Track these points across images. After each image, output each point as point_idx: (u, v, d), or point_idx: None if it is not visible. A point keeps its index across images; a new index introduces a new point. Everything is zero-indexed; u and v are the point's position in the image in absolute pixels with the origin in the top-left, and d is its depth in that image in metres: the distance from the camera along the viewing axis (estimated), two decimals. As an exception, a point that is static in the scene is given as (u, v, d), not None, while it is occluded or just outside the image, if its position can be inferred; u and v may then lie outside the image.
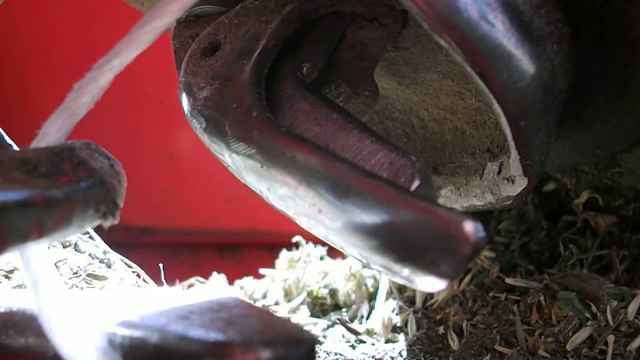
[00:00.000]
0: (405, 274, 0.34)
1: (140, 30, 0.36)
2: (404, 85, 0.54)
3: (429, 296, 0.67)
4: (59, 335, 0.36)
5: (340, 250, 0.39)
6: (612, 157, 0.58)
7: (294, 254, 0.83)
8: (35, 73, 1.28)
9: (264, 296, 0.80)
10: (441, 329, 0.62)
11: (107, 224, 0.36)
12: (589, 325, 0.55)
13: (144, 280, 0.63)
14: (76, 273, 0.58)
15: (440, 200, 0.53)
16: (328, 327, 0.69)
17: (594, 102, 0.48)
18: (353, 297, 0.75)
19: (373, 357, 0.61)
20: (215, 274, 0.84)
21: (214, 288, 0.80)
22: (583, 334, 0.55)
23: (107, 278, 0.59)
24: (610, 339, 0.54)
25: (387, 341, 0.65)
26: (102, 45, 0.37)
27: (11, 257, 0.55)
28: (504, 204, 0.49)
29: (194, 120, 0.45)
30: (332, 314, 0.73)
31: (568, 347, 0.54)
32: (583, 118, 0.49)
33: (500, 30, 0.39)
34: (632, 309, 0.56)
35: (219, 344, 0.32)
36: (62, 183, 0.34)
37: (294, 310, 0.74)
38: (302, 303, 0.75)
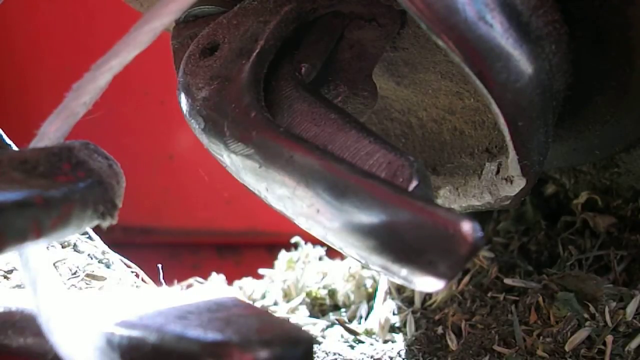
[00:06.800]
0: (403, 274, 0.34)
1: (139, 30, 0.36)
2: (403, 85, 0.54)
3: (428, 296, 0.67)
4: (58, 335, 0.36)
5: (339, 250, 0.39)
6: (610, 157, 0.58)
7: (293, 254, 0.83)
8: (33, 73, 1.28)
9: (263, 296, 0.80)
10: (440, 329, 0.62)
11: (105, 224, 0.36)
12: (587, 325, 0.55)
13: (142, 280, 0.63)
14: (75, 273, 0.58)
15: (439, 201, 0.53)
16: (327, 327, 0.70)
17: (592, 102, 0.48)
18: (352, 297, 0.75)
19: (372, 357, 0.61)
20: (214, 274, 0.84)
21: (212, 288, 0.80)
22: (581, 334, 0.55)
23: (106, 278, 0.59)
24: (609, 339, 0.54)
25: (386, 341, 0.65)
26: (101, 45, 0.37)
27: (10, 257, 0.55)
28: (503, 204, 0.49)
29: (192, 121, 0.45)
30: (331, 314, 0.73)
31: (566, 348, 0.54)
32: (581, 118, 0.49)
33: (498, 30, 0.39)
34: (630, 309, 0.56)
35: (217, 344, 0.32)
36: (60, 183, 0.34)
37: (292, 311, 0.74)
38: (301, 303, 0.75)
